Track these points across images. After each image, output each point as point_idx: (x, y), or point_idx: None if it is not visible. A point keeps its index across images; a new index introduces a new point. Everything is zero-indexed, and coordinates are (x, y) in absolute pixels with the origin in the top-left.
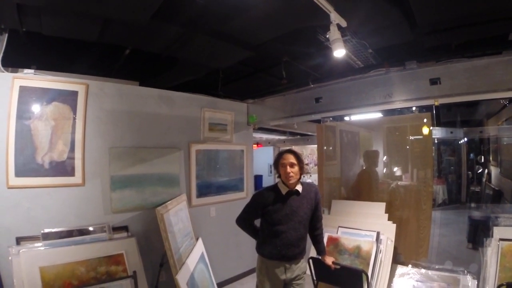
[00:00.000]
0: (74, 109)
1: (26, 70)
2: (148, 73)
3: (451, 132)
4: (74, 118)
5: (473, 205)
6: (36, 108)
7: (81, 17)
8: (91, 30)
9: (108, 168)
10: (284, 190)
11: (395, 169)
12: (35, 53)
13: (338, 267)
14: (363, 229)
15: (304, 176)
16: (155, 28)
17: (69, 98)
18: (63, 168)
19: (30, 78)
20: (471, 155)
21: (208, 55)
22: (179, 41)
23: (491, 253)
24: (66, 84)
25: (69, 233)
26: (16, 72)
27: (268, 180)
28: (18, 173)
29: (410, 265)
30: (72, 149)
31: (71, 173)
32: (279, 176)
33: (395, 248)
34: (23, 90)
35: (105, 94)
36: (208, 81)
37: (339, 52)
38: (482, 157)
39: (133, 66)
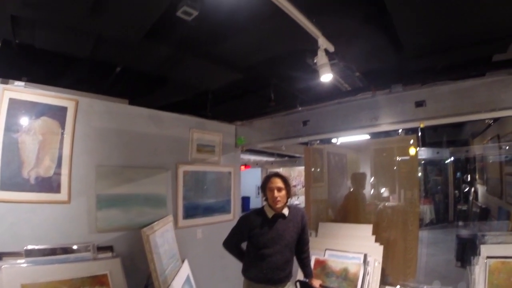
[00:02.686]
0: (62, 125)
1: (16, 82)
2: (138, 92)
3: (438, 153)
4: (62, 134)
5: (460, 223)
6: (24, 121)
7: (75, 33)
8: (83, 46)
9: (94, 186)
10: (270, 213)
11: (383, 190)
12: (26, 65)
13: None
14: (350, 251)
15: (291, 198)
16: (147, 48)
17: (58, 113)
18: (49, 185)
19: (20, 90)
20: (458, 174)
21: (198, 76)
22: (169, 61)
23: (479, 271)
24: (56, 99)
25: (53, 251)
26: (7, 83)
27: (256, 202)
28: (3, 187)
29: (398, 286)
30: (59, 165)
31: (57, 189)
32: (266, 200)
33: (383, 270)
34: (13, 102)
35: (95, 112)
36: (197, 101)
37: (326, 77)
38: (469, 175)
39: (123, 84)
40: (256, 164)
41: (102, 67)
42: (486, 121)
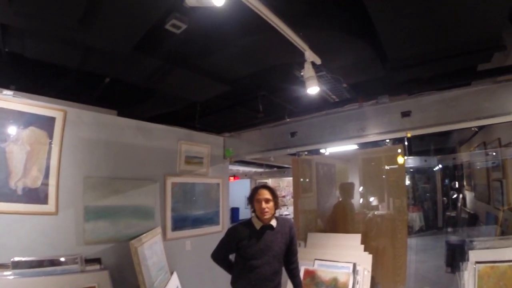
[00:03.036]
0: (50, 135)
1: (5, 91)
2: (126, 103)
3: (425, 161)
4: (50, 144)
5: (450, 229)
6: (12, 131)
7: (64, 43)
8: (73, 57)
9: (82, 198)
10: (258, 225)
11: (372, 199)
12: (15, 74)
13: None
14: (340, 261)
15: (281, 209)
16: (135, 59)
17: (46, 123)
18: (36, 195)
19: (9, 100)
20: (446, 181)
21: (186, 88)
22: (158, 73)
23: (468, 276)
24: (44, 109)
25: (40, 263)
26: None
27: (245, 213)
28: None
29: None
30: (46, 176)
31: (44, 201)
32: (254, 211)
33: (373, 278)
34: (1, 111)
35: (83, 122)
36: (186, 113)
37: (313, 90)
38: (457, 182)
39: (112, 95)
40: (245, 175)
41: (91, 78)
42: (472, 128)
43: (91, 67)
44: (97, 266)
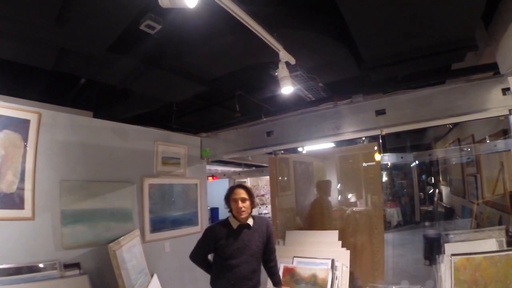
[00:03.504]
0: (25, 138)
1: None
2: (102, 104)
3: (402, 157)
4: (25, 147)
5: (427, 224)
6: None
7: (38, 44)
8: (47, 58)
9: (59, 202)
10: (235, 224)
11: (349, 196)
12: None
13: None
14: (318, 257)
15: (260, 207)
16: (111, 60)
17: (21, 126)
18: (12, 201)
19: None
20: (423, 177)
21: (163, 89)
22: (133, 74)
23: (445, 268)
24: (18, 111)
25: (18, 270)
26: None
27: (225, 213)
28: None
29: None
30: (22, 180)
31: (20, 206)
32: (230, 211)
33: (352, 274)
34: None
35: (58, 125)
36: (162, 113)
37: (287, 89)
38: (433, 178)
39: (87, 96)
40: (224, 175)
41: (66, 79)
42: (447, 125)
43: (66, 68)
44: (77, 271)
